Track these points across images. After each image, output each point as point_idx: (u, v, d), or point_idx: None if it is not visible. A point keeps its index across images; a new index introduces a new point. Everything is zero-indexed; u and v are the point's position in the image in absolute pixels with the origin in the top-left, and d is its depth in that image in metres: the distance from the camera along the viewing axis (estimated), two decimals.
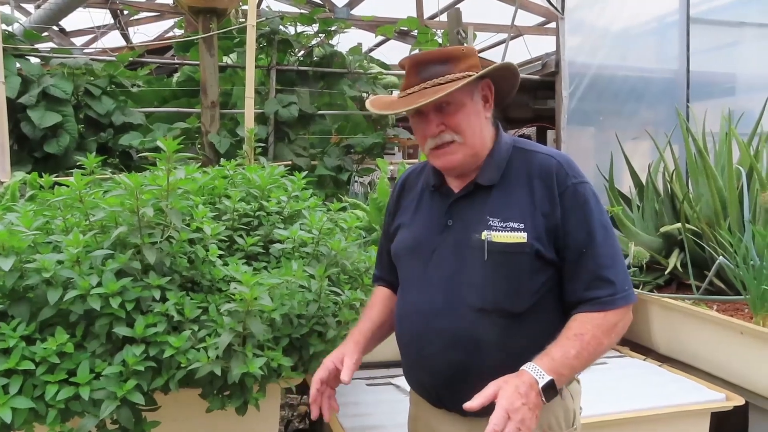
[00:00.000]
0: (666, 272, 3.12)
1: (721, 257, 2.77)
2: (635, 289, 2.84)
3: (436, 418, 1.46)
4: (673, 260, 3.12)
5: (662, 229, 3.28)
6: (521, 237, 1.30)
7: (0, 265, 1.36)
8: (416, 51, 5.90)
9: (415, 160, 4.99)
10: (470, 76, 1.33)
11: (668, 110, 4.80)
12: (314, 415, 1.40)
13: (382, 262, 1.64)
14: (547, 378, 1.20)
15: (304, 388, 2.42)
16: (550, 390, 1.20)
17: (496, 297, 1.32)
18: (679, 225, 3.16)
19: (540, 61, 5.34)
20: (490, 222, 1.33)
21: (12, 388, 1.32)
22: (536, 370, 1.21)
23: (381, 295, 1.61)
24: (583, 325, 1.29)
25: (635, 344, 2.89)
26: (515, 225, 1.32)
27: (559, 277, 1.35)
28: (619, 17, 4.99)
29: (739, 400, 2.22)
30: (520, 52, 6.00)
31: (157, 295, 1.50)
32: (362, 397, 2.17)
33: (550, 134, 6.35)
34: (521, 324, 1.33)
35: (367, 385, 2.28)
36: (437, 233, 1.41)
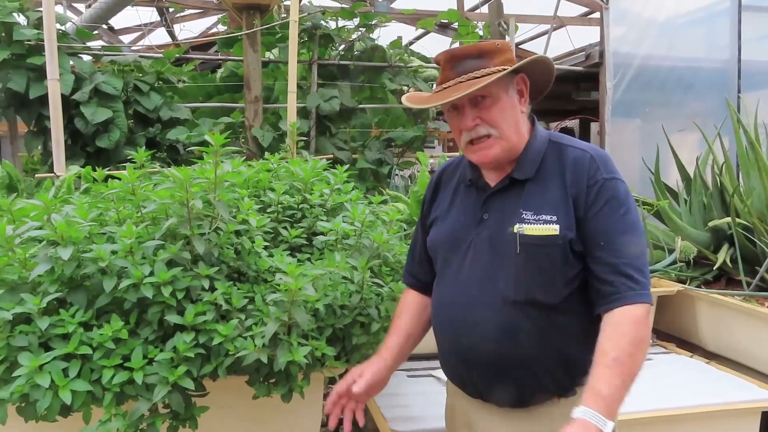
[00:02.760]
0: (714, 267, 3.04)
1: None
2: (681, 284, 2.81)
3: (473, 408, 1.48)
4: (722, 255, 3.03)
5: (711, 224, 3.19)
6: (553, 229, 1.31)
7: (60, 255, 1.43)
8: (456, 44, 5.87)
9: (456, 153, 4.97)
10: (505, 69, 1.33)
11: (718, 101, 4.64)
12: (331, 425, 1.48)
13: (414, 256, 1.66)
14: (610, 425, 1.19)
15: None
16: None
17: (529, 289, 1.34)
18: (728, 219, 3.07)
19: (583, 52, 5.24)
20: (524, 215, 1.35)
21: (71, 372, 1.39)
22: (598, 419, 1.19)
23: (410, 301, 1.62)
24: (616, 345, 1.25)
25: (681, 341, 2.83)
26: (548, 217, 1.33)
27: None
28: (666, 6, 4.86)
29: None
30: (563, 43, 5.91)
31: (206, 284, 1.54)
32: (403, 389, 2.19)
33: (594, 127, 6.24)
34: (556, 315, 1.35)
35: (408, 376, 2.30)
36: (473, 226, 1.42)
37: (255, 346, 1.45)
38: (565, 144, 1.42)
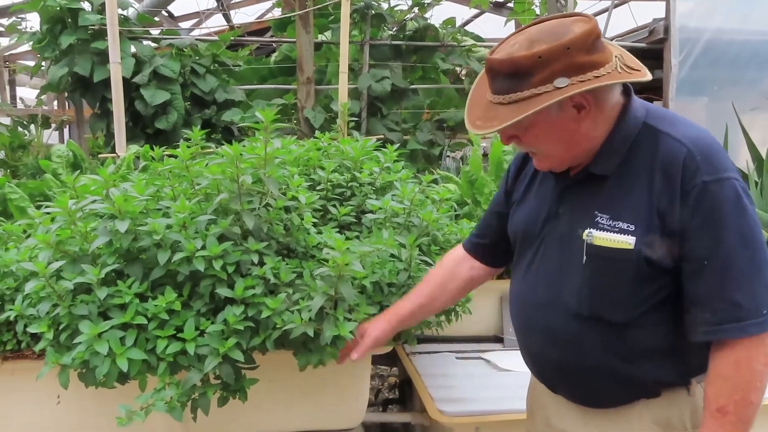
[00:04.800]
0: None
1: None
2: None
3: (547, 396, 1.41)
4: None
5: None
6: (628, 242, 1.13)
7: (118, 227, 1.48)
8: (511, 23, 5.72)
9: None
10: (539, 94, 1.09)
11: None
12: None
13: (480, 224, 1.57)
14: None
15: (394, 359, 2.46)
16: None
17: (593, 304, 1.20)
18: None
19: (646, 28, 5.01)
20: (598, 218, 1.18)
21: (128, 340, 1.44)
22: None
23: (443, 265, 1.58)
24: (719, 392, 1.11)
25: None
26: (624, 226, 1.15)
27: (679, 286, 1.16)
28: None
29: None
30: (625, 19, 5.66)
31: (256, 259, 1.56)
32: (451, 370, 2.17)
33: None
34: (627, 333, 1.19)
35: (457, 358, 2.28)
36: (547, 220, 1.29)
37: (302, 319, 1.46)
38: (661, 130, 1.16)
